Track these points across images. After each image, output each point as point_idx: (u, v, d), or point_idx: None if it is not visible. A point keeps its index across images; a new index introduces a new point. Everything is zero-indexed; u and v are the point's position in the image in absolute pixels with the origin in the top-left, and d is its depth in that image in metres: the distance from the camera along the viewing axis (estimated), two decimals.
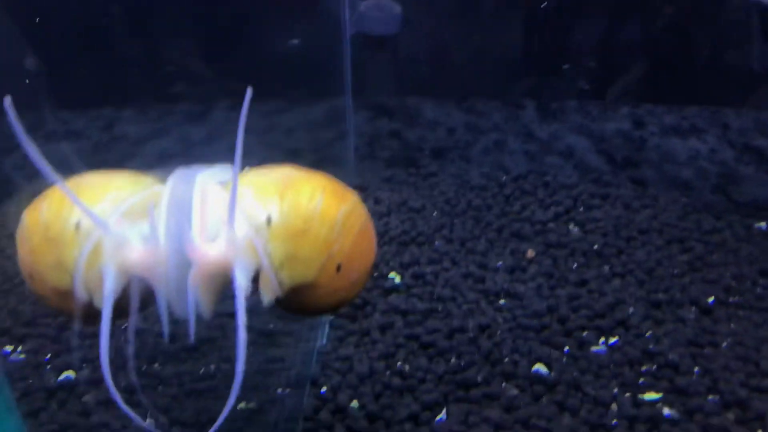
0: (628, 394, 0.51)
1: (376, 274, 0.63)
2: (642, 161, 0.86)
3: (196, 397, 0.51)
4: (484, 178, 0.78)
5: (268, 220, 0.33)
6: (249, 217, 0.33)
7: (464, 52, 1.05)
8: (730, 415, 0.49)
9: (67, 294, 0.33)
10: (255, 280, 0.33)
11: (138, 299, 0.33)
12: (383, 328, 0.57)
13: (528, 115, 0.98)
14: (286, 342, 0.57)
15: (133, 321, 0.33)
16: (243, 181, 0.34)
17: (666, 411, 0.50)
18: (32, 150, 0.28)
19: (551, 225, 0.70)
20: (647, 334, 0.56)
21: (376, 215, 0.71)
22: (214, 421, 0.36)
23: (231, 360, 0.52)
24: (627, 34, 0.99)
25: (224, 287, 0.33)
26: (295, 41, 0.97)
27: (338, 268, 0.35)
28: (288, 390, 0.53)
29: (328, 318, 0.60)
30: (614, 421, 0.49)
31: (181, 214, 0.32)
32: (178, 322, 0.34)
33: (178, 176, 0.34)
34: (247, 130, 0.32)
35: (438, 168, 0.82)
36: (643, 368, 0.53)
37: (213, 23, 0.92)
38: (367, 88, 1.02)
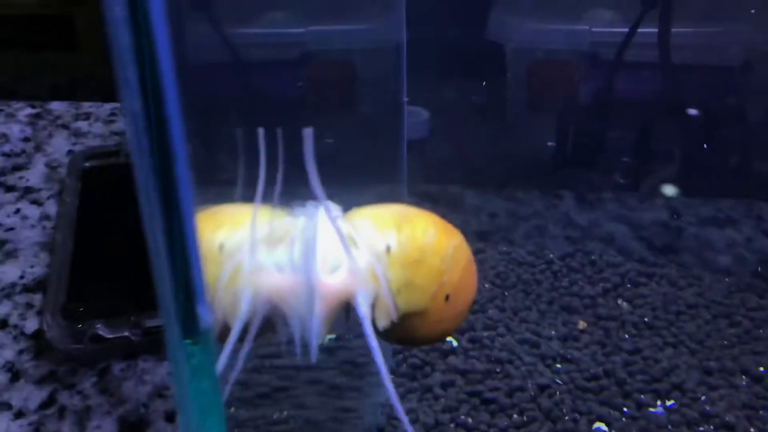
0: None
1: None
2: (681, 248, 0.89)
3: None
4: (531, 255, 0.82)
5: (387, 249, 0.36)
6: (369, 246, 0.36)
7: (498, 148, 1.11)
8: None
9: None
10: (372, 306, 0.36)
11: (260, 323, 0.36)
12: (444, 385, 0.60)
13: (566, 204, 1.02)
14: (352, 395, 0.59)
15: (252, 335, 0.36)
16: (363, 213, 0.38)
17: None
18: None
19: (600, 300, 0.73)
20: (702, 398, 0.57)
21: None
22: None
23: (303, 406, 0.54)
24: (661, 131, 1.05)
25: (340, 314, 0.37)
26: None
27: (447, 298, 0.38)
28: None
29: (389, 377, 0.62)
30: None
31: (310, 246, 0.35)
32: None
33: (305, 211, 0.38)
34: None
35: (485, 246, 0.86)
36: (701, 428, 0.55)
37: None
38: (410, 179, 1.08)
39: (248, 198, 0.38)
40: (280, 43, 0.98)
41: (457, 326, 0.42)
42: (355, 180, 0.89)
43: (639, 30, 0.96)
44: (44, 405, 0.65)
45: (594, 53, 1.05)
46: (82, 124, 1.13)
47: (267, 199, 0.37)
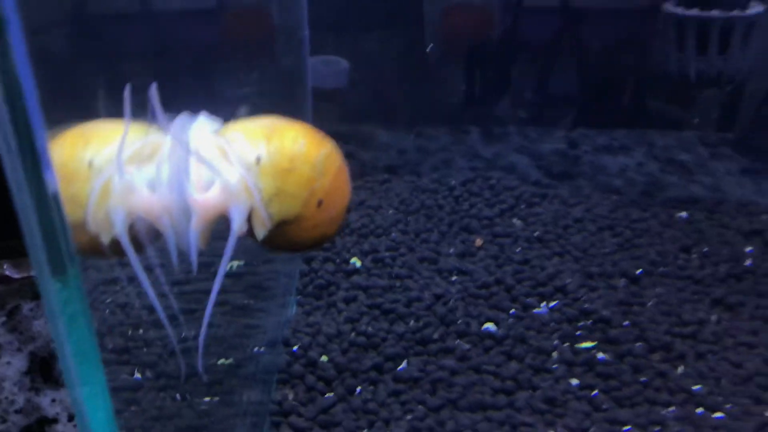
0: (566, 344, 0.58)
1: (338, 260, 0.69)
2: (577, 174, 0.94)
3: (177, 355, 0.55)
4: (434, 183, 0.85)
5: (258, 160, 0.38)
6: (241, 158, 0.38)
7: (411, 92, 1.14)
8: (656, 356, 0.56)
9: (79, 227, 0.37)
10: (247, 220, 0.38)
11: (145, 237, 0.37)
12: (347, 301, 0.63)
13: (473, 138, 1.06)
14: (259, 315, 0.62)
15: (134, 259, 0.37)
16: (234, 127, 0.40)
17: (600, 355, 0.56)
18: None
19: (497, 220, 0.77)
20: (582, 298, 0.62)
21: None
22: (195, 373, 0.40)
23: (210, 325, 0.56)
24: (560, 67, 1.09)
25: (218, 224, 0.38)
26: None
27: (319, 204, 0.40)
28: (263, 349, 0.57)
29: (294, 297, 0.65)
30: (555, 365, 0.55)
31: (181, 164, 0.37)
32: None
33: (177, 126, 0.40)
34: None
35: (391, 177, 0.89)
36: (580, 323, 0.60)
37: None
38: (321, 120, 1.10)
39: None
40: None
41: (334, 230, 0.44)
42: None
43: None
44: None
45: None
46: None
47: (139, 115, 0.38)
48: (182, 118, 0.39)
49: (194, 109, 0.42)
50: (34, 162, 0.21)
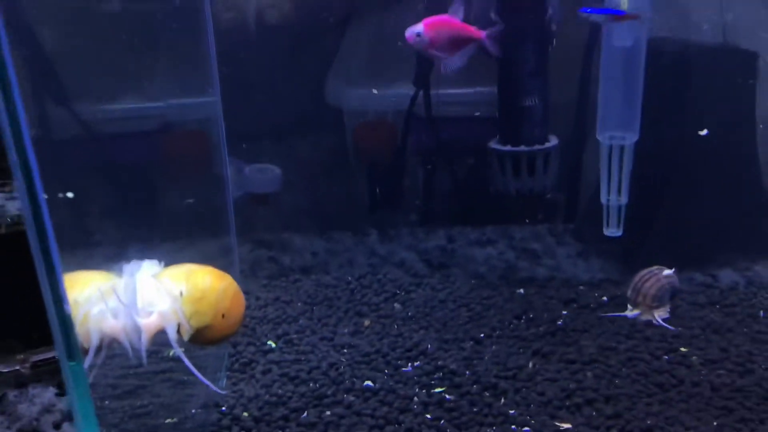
0: (424, 391, 0.79)
1: (258, 343, 0.90)
2: (451, 264, 1.18)
3: (137, 418, 0.75)
4: (335, 280, 1.08)
5: (180, 293, 0.61)
6: (169, 292, 0.61)
7: (328, 198, 1.37)
8: (486, 393, 0.78)
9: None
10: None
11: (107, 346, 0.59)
12: (264, 372, 0.84)
13: (371, 239, 1.30)
14: (194, 386, 0.81)
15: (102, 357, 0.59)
16: (165, 273, 0.63)
17: (447, 396, 0.78)
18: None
19: (382, 305, 0.99)
20: (438, 357, 0.85)
21: (257, 307, 0.99)
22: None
23: (158, 395, 0.77)
24: (439, 178, 1.35)
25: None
26: (191, 200, 1.26)
27: (222, 316, 0.63)
28: (200, 410, 0.77)
29: (225, 372, 0.85)
30: (415, 405, 0.77)
31: (131, 298, 0.59)
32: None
33: (127, 272, 0.62)
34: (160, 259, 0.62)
35: (303, 276, 1.11)
36: (435, 375, 0.82)
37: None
38: (251, 230, 1.31)
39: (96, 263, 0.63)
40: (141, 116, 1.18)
41: (234, 331, 0.67)
42: (197, 234, 1.11)
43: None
44: None
45: (406, 113, 1.29)
46: None
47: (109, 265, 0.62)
48: (132, 265, 0.62)
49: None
50: (59, 298, 0.42)
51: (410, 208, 1.40)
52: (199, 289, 0.61)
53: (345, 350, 0.88)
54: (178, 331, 0.60)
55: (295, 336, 0.91)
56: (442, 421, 0.74)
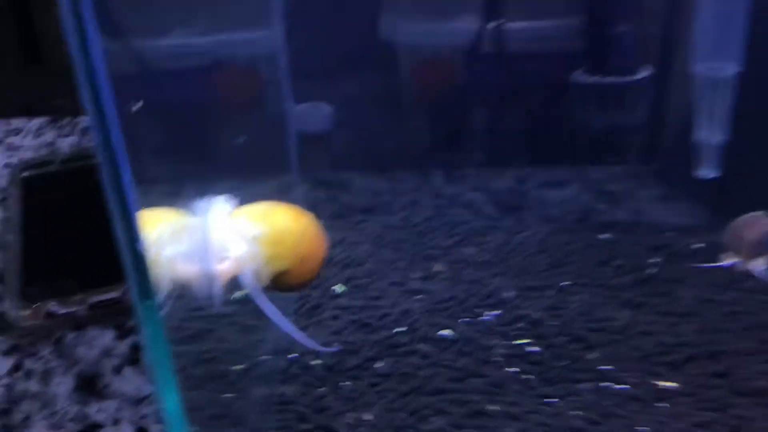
0: (505, 341, 0.73)
1: (324, 287, 0.85)
2: (524, 206, 1.11)
3: (203, 364, 0.71)
4: (402, 220, 1.02)
5: (258, 235, 0.55)
6: (246, 234, 0.55)
7: (388, 137, 1.31)
8: (575, 346, 0.72)
9: None
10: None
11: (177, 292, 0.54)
12: (333, 318, 0.79)
13: (436, 180, 1.23)
14: (261, 331, 0.77)
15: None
16: (240, 212, 0.57)
17: (532, 348, 0.72)
18: None
19: (453, 249, 0.93)
20: (519, 307, 0.79)
21: None
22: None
23: (223, 340, 0.72)
24: (507, 115, 1.27)
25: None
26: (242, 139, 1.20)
27: (301, 262, 0.58)
28: (268, 357, 0.73)
29: (292, 318, 0.80)
30: (497, 357, 0.71)
31: (204, 241, 0.54)
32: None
33: (200, 211, 0.56)
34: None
35: (367, 217, 1.05)
36: (516, 325, 0.76)
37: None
38: (307, 169, 1.26)
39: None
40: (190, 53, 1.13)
41: (314, 276, 0.62)
42: (257, 173, 1.07)
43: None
44: (12, 370, 0.81)
45: (470, 49, 1.22)
46: (14, 139, 1.26)
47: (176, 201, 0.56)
48: (205, 203, 0.56)
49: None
50: (133, 236, 0.37)
51: (476, 147, 1.32)
52: (278, 231, 0.56)
53: (417, 296, 0.82)
54: (255, 275, 0.54)
55: (363, 280, 0.86)
56: (529, 375, 0.69)
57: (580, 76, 0.97)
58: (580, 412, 0.65)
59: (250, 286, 0.54)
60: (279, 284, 0.58)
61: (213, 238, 0.53)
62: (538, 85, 1.18)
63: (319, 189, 1.21)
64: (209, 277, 0.53)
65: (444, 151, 1.32)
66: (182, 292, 0.53)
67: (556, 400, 0.66)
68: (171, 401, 0.43)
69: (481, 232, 0.97)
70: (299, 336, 0.60)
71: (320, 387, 0.69)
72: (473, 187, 1.19)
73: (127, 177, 0.33)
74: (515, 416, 0.65)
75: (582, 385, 0.67)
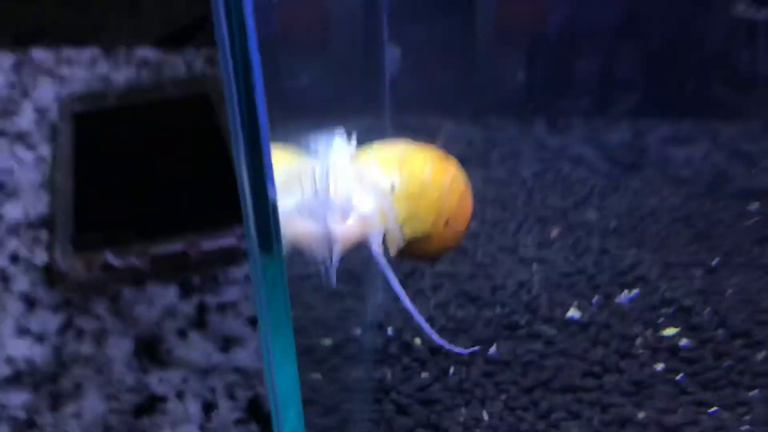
0: (650, 331, 0.60)
1: None
2: (644, 164, 0.96)
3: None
4: (506, 174, 0.88)
5: (392, 187, 0.42)
6: (376, 185, 0.42)
7: (477, 80, 1.16)
8: (737, 342, 0.58)
9: None
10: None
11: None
12: (435, 288, 0.66)
13: (538, 129, 1.08)
14: (352, 299, 0.65)
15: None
16: (369, 155, 0.44)
17: (683, 342, 0.59)
18: None
19: (571, 211, 0.79)
20: (663, 287, 0.65)
21: None
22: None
23: (310, 308, 0.61)
24: (624, 58, 1.11)
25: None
26: None
27: (446, 223, 0.44)
28: (361, 331, 0.61)
29: (381, 283, 0.68)
30: (640, 351, 0.58)
31: (324, 192, 0.40)
32: None
33: (321, 153, 0.43)
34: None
35: (463, 167, 0.92)
36: (662, 311, 0.62)
37: None
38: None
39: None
40: None
41: (457, 244, 0.48)
42: (346, 113, 0.94)
43: None
44: (62, 329, 0.71)
45: None
46: (65, 70, 1.16)
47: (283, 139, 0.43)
48: (325, 141, 0.42)
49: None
50: (263, 176, 0.25)
51: (583, 93, 1.17)
52: (418, 183, 0.42)
53: (534, 266, 0.69)
54: (385, 238, 0.42)
55: (467, 243, 0.73)
56: (681, 375, 0.55)
57: (747, 10, 0.80)
58: (753, 429, 0.51)
59: (379, 254, 0.41)
60: (415, 251, 0.45)
61: (333, 188, 0.41)
62: (674, 19, 1.01)
63: (405, 134, 1.07)
64: (327, 240, 0.40)
65: (545, 97, 1.17)
66: (290, 253, 0.41)
67: (716, 409, 0.53)
68: (286, 376, 0.35)
69: (602, 192, 0.83)
70: (427, 327, 0.47)
71: (423, 373, 0.57)
72: (582, 139, 1.04)
73: (262, 103, 0.22)
74: (668, 427, 0.52)
75: (752, 394, 0.54)
